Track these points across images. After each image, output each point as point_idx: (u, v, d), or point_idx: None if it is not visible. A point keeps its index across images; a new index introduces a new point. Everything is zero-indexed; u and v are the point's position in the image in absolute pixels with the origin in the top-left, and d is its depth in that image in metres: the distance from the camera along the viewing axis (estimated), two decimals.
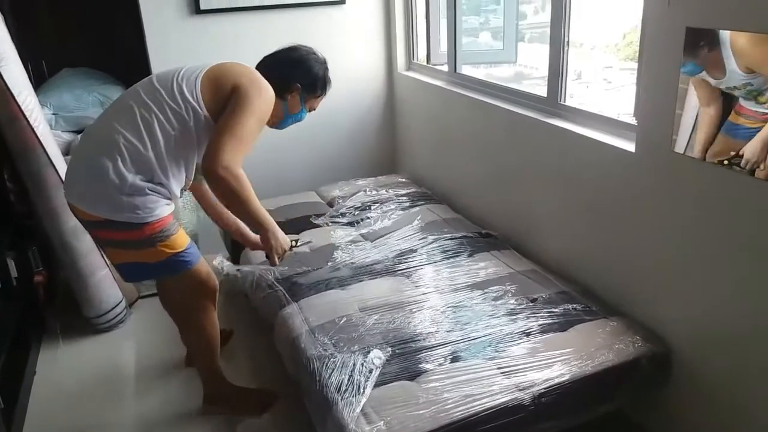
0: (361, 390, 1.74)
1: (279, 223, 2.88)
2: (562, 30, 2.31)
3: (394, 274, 2.41)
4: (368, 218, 2.93)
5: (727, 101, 1.60)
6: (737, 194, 1.62)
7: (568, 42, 2.34)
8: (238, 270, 2.56)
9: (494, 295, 2.19)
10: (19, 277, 2.64)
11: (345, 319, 2.10)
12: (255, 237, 2.30)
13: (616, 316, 2.04)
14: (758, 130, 1.53)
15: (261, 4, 3.31)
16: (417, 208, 2.99)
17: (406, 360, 1.89)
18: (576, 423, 1.83)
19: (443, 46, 3.40)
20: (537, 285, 2.24)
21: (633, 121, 2.03)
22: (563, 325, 2.00)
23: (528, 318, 2.04)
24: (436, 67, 3.46)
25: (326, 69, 2.16)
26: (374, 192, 3.22)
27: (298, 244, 2.32)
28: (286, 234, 2.11)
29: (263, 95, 1.91)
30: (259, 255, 2.56)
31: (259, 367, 2.56)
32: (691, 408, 1.90)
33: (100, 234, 1.96)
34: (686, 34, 1.66)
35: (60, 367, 2.64)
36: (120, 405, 2.39)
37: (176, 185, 1.95)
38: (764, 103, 1.50)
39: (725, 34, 1.55)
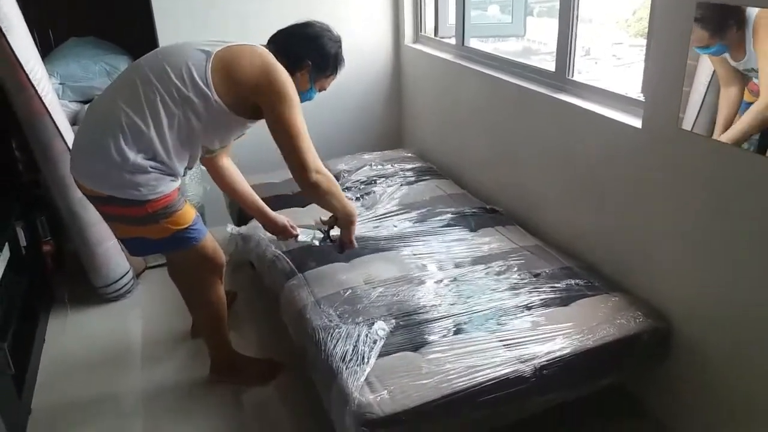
0: (366, 360, 1.77)
1: (286, 197, 2.94)
2: (572, 3, 2.29)
3: (398, 249, 2.43)
4: (374, 192, 2.93)
5: (743, 82, 1.58)
6: (745, 173, 1.62)
7: (577, 16, 2.32)
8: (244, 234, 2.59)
9: (497, 269, 2.21)
10: (28, 247, 2.67)
11: (350, 291, 2.12)
12: (275, 217, 2.38)
13: (618, 291, 2.06)
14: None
15: None
16: (423, 183, 3.00)
17: (409, 332, 1.91)
18: (576, 395, 1.86)
19: (451, 18, 3.37)
20: (540, 260, 2.26)
21: (641, 97, 2.02)
22: (565, 299, 2.02)
23: (530, 292, 2.06)
24: (444, 40, 3.44)
25: (340, 48, 2.10)
26: (380, 166, 3.22)
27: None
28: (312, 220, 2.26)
29: (287, 85, 1.89)
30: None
31: (264, 337, 2.60)
32: (690, 383, 1.92)
33: (104, 209, 1.97)
34: (714, 12, 1.61)
35: (68, 336, 2.69)
36: (127, 373, 2.44)
37: (179, 165, 1.94)
38: None
39: (752, 14, 1.51)
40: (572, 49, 2.37)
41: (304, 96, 2.10)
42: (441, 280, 2.17)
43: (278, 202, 2.83)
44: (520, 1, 3.35)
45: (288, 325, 2.18)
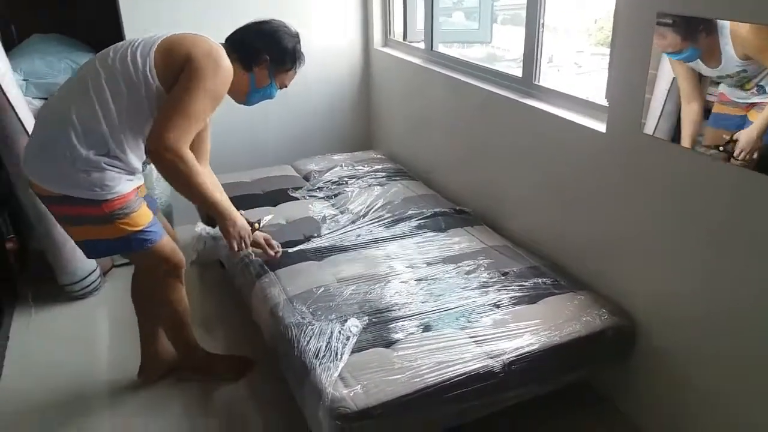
0: (339, 356, 1.79)
1: (257, 196, 2.94)
2: (537, 11, 2.36)
3: (369, 248, 2.46)
4: (345, 192, 2.96)
5: (704, 97, 1.62)
6: (705, 176, 1.70)
7: (543, 23, 2.40)
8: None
9: (467, 268, 2.26)
10: None
11: (322, 289, 2.14)
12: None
13: (584, 290, 2.13)
14: (743, 117, 1.55)
15: None
16: (393, 184, 3.03)
17: (382, 329, 1.94)
18: (544, 391, 1.92)
19: (420, 23, 3.43)
20: (508, 259, 2.32)
21: (605, 103, 2.10)
22: (533, 297, 2.08)
23: (499, 291, 2.11)
24: (413, 44, 3.49)
25: (298, 42, 2.07)
26: (350, 167, 3.25)
27: (261, 225, 2.31)
28: (249, 217, 2.16)
29: (219, 71, 1.83)
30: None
31: (235, 336, 2.59)
32: (654, 379, 2.00)
33: (57, 210, 1.91)
34: (683, 20, 1.64)
35: (33, 335, 2.64)
36: (93, 371, 2.41)
37: (135, 159, 1.89)
38: (749, 89, 1.52)
39: (725, 21, 1.53)
40: (539, 55, 2.44)
41: (264, 92, 2.06)
42: (412, 279, 2.21)
43: (250, 201, 2.84)
44: (487, 8, 3.43)
45: (260, 323, 2.19)
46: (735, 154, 1.58)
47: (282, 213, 2.76)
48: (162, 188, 3.17)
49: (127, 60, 1.80)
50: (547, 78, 2.50)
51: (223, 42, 2.00)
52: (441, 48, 3.27)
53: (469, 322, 1.96)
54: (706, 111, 1.65)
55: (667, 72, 1.74)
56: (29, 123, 2.58)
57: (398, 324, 1.96)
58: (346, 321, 1.95)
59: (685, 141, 1.72)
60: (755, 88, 1.51)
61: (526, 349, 1.82)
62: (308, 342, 1.87)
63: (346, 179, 3.10)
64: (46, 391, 2.31)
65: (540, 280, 2.16)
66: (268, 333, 2.11)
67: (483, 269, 2.25)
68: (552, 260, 2.34)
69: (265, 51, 1.99)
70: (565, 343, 1.87)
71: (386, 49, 3.64)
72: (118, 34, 3.18)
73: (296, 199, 2.93)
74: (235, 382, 2.30)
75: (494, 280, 2.18)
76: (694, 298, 1.81)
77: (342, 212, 2.78)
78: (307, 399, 1.77)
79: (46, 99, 3.14)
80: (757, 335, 1.64)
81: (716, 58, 1.59)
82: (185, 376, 2.30)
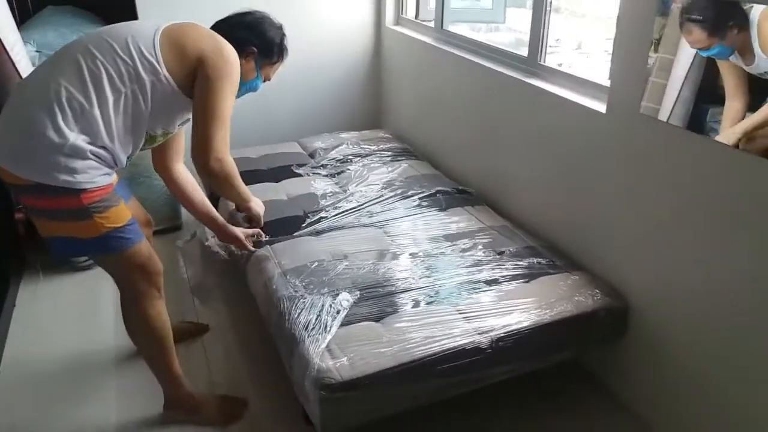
0: (328, 328, 1.81)
1: (260, 172, 2.97)
2: None
3: (369, 225, 2.47)
4: (348, 170, 2.97)
5: (754, 94, 1.51)
6: (699, 158, 1.68)
7: (550, 4, 2.37)
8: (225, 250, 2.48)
9: (463, 246, 2.26)
10: (0, 215, 2.67)
11: (317, 263, 2.16)
12: (224, 225, 2.20)
13: (579, 270, 2.12)
14: None
15: None
16: (398, 164, 3.03)
17: (373, 303, 1.95)
18: (532, 369, 1.92)
19: (432, 2, 3.40)
20: (506, 239, 2.31)
21: (607, 83, 2.07)
22: (527, 277, 2.08)
23: (494, 269, 2.11)
24: (425, 23, 3.47)
25: (283, 35, 2.00)
26: (356, 146, 3.26)
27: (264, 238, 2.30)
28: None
29: (233, 66, 1.78)
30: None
31: (233, 311, 2.63)
32: (645, 360, 1.99)
33: (29, 201, 1.73)
34: (711, 10, 1.57)
35: (40, 302, 2.70)
36: (97, 338, 2.46)
37: (122, 152, 1.74)
38: None
39: (755, 14, 1.45)
40: (544, 36, 2.42)
41: (250, 85, 1.99)
42: (407, 256, 2.22)
43: (253, 177, 2.86)
44: None
45: (255, 296, 2.22)
46: None
47: (284, 189, 2.78)
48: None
49: (130, 47, 1.68)
50: (574, 64, 2.45)
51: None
52: (466, 31, 3.22)
53: (461, 298, 1.97)
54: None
55: (685, 58, 1.68)
56: None
57: (390, 299, 1.97)
58: (337, 295, 1.96)
59: (724, 137, 1.59)
60: None
61: (515, 327, 1.83)
62: (299, 314, 1.89)
63: (350, 157, 3.10)
64: (51, 357, 2.36)
65: (535, 260, 2.15)
66: (263, 306, 2.14)
67: (479, 248, 2.25)
68: (549, 240, 2.33)
69: (251, 43, 1.93)
70: (555, 322, 1.87)
71: (398, 28, 3.62)
72: (132, 7, 3.20)
73: (300, 175, 2.95)
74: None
75: (489, 258, 2.18)
76: (687, 279, 1.79)
77: (344, 190, 2.78)
78: (295, 369, 1.79)
79: None
80: (749, 318, 1.62)
81: (750, 56, 1.51)
82: (170, 416, 2.05)
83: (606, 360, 2.16)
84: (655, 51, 1.76)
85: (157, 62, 1.69)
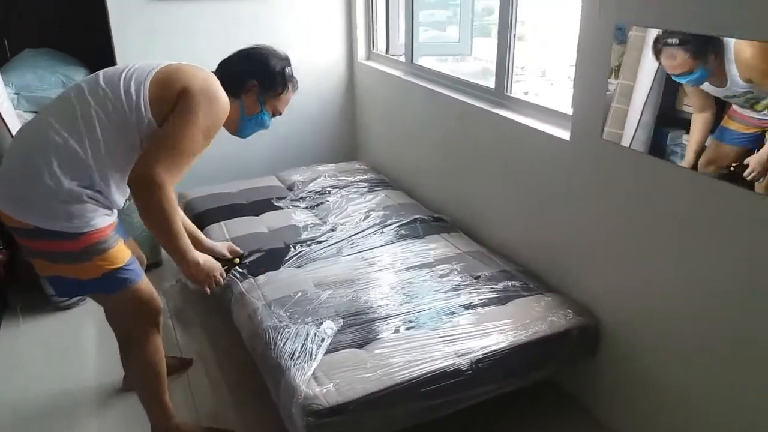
0: (313, 356, 1.87)
1: (240, 206, 3.02)
2: (508, 25, 2.46)
3: (349, 255, 2.54)
4: (327, 201, 3.04)
5: (720, 106, 1.59)
6: (662, 180, 1.79)
7: (514, 36, 2.50)
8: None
9: (441, 272, 2.34)
10: None
11: (300, 293, 2.22)
12: (213, 247, 2.17)
13: (552, 292, 2.21)
14: (751, 135, 1.54)
15: None
16: (375, 194, 3.12)
17: (357, 330, 2.02)
18: (511, 389, 1.99)
19: (402, 37, 3.53)
20: (481, 264, 2.40)
21: (570, 112, 2.19)
22: (503, 299, 2.16)
23: (470, 293, 2.19)
24: (395, 57, 3.59)
25: (288, 64, 1.95)
26: (334, 178, 3.34)
27: (241, 262, 2.24)
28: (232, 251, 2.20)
29: (214, 105, 1.73)
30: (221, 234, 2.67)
31: (215, 343, 2.66)
32: (616, 377, 2.08)
33: (29, 244, 1.74)
34: (693, 40, 1.61)
35: (21, 342, 2.70)
36: (80, 378, 2.47)
37: (118, 194, 1.78)
38: (761, 110, 1.50)
39: (730, 43, 1.52)
40: (510, 67, 2.54)
41: (257, 120, 1.96)
42: (388, 283, 2.29)
43: (233, 211, 2.92)
44: (467, 20, 3.53)
45: (239, 327, 2.26)
46: (745, 174, 1.55)
47: (264, 222, 2.84)
48: None
49: (120, 89, 1.70)
50: (540, 92, 2.57)
51: (214, 71, 1.90)
52: (433, 63, 3.36)
53: (440, 322, 2.04)
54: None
55: (644, 84, 1.79)
56: None
57: (372, 326, 2.04)
58: (321, 324, 2.02)
59: (689, 154, 1.68)
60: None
61: (493, 348, 1.90)
62: (284, 344, 1.94)
63: (329, 189, 3.18)
64: (32, 398, 2.37)
65: (510, 283, 2.24)
66: (247, 337, 2.18)
67: (456, 273, 2.33)
68: (522, 264, 2.42)
69: (251, 76, 1.89)
70: (531, 342, 1.95)
71: (370, 63, 3.75)
72: (109, 49, 3.27)
73: (280, 208, 3.01)
74: None
75: (466, 283, 2.26)
76: (656, 298, 1.89)
77: (323, 221, 2.86)
78: (282, 398, 1.83)
79: (36, 113, 3.24)
80: (718, 334, 1.71)
81: (722, 80, 1.57)
82: None
83: (581, 379, 2.24)
84: (616, 78, 1.88)
85: (143, 104, 1.70)
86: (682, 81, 1.68)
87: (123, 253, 1.80)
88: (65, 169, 1.65)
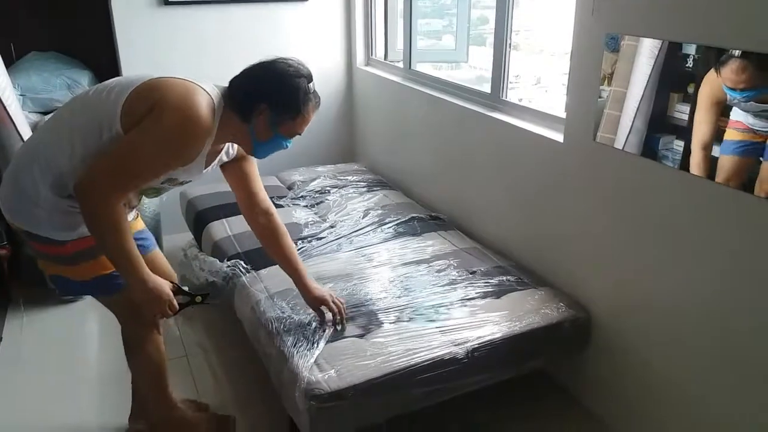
0: (315, 345, 1.94)
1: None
2: (504, 33, 2.56)
3: (348, 251, 2.61)
4: (327, 200, 3.12)
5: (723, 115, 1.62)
6: (650, 180, 1.88)
7: (510, 44, 2.60)
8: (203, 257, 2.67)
9: (438, 267, 2.42)
10: None
11: None
12: (313, 290, 2.06)
13: (545, 286, 2.30)
14: (747, 143, 1.58)
15: None
16: (373, 193, 3.19)
17: (357, 321, 2.09)
18: (505, 377, 2.07)
19: (400, 44, 3.63)
20: (477, 260, 2.48)
21: (564, 115, 2.28)
22: (497, 293, 2.24)
23: (467, 287, 2.27)
24: (393, 63, 3.69)
25: (305, 82, 1.71)
26: (333, 178, 3.42)
27: (203, 301, 1.90)
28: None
29: (186, 125, 1.56)
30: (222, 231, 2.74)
31: (215, 333, 2.73)
32: (607, 369, 2.16)
33: (30, 244, 1.78)
34: (758, 58, 1.54)
35: (25, 335, 2.76)
36: (83, 371, 2.53)
37: None
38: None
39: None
40: (505, 73, 2.64)
41: (272, 145, 1.77)
42: (387, 277, 2.37)
43: (236, 209, 2.98)
44: (463, 29, 3.63)
45: (242, 319, 2.33)
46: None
47: None
48: (150, 199, 3.30)
49: (102, 100, 1.63)
50: (534, 99, 2.65)
51: (226, 86, 1.72)
52: (429, 70, 3.46)
53: (437, 314, 2.11)
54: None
55: (636, 92, 1.87)
56: (27, 135, 2.72)
57: (373, 317, 2.11)
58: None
59: (703, 165, 1.71)
60: None
61: (488, 338, 1.98)
62: (287, 333, 2.01)
63: (328, 189, 3.26)
64: (36, 391, 2.43)
65: (505, 278, 2.32)
66: (250, 328, 2.25)
67: (453, 268, 2.41)
68: (517, 260, 2.51)
69: (260, 98, 1.66)
70: (525, 333, 2.03)
71: (368, 68, 3.84)
72: (113, 54, 3.35)
73: (281, 206, 3.09)
74: None
75: (462, 277, 2.34)
76: (645, 293, 1.97)
77: (323, 219, 2.93)
78: (285, 385, 1.90)
79: (42, 113, 3.31)
80: (705, 324, 1.80)
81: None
82: None
83: (574, 371, 2.32)
84: (609, 84, 1.97)
85: (118, 115, 1.59)
86: (743, 96, 1.59)
87: None
88: (46, 178, 1.64)
